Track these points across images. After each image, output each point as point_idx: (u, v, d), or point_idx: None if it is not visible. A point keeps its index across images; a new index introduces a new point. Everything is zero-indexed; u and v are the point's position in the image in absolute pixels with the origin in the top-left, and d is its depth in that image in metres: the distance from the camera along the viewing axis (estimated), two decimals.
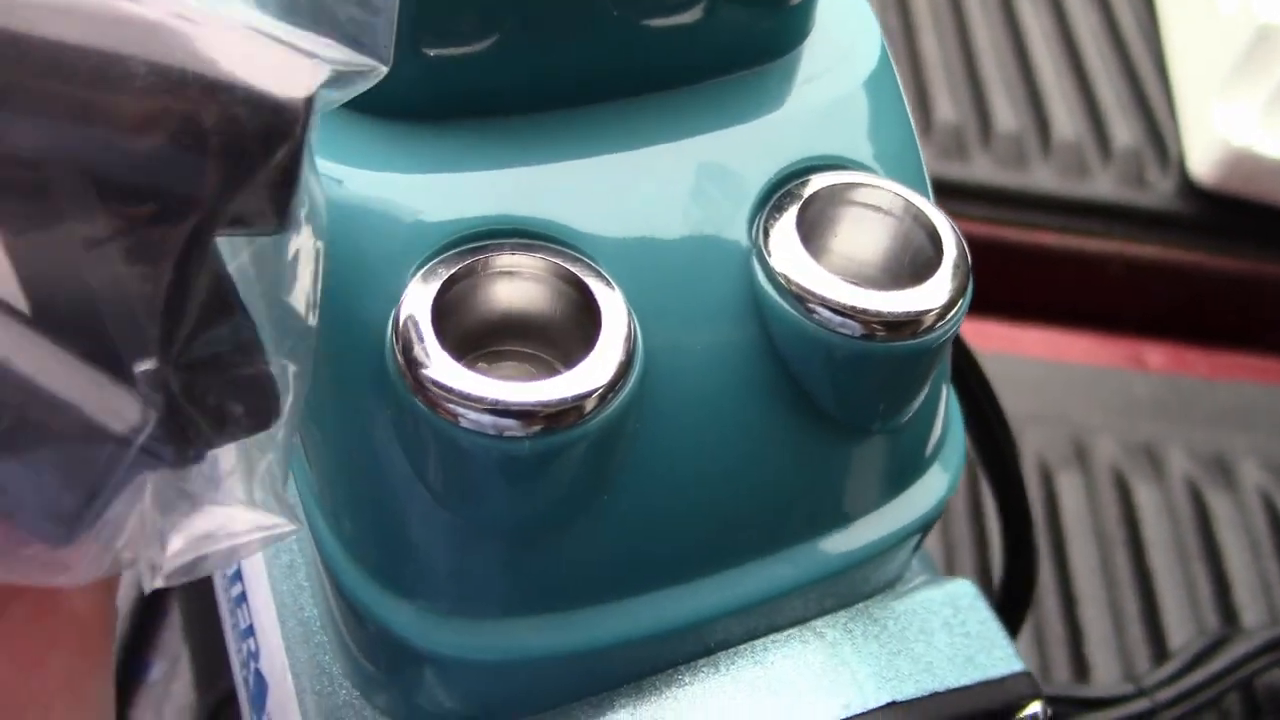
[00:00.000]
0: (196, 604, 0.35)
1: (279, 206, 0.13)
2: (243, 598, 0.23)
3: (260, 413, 0.14)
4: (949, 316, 0.18)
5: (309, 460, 0.19)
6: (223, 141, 0.13)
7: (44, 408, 0.13)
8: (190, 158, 0.13)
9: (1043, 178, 0.62)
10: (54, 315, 0.13)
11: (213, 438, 0.14)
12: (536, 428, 0.16)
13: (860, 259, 0.19)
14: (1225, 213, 0.61)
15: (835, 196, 0.19)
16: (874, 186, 0.19)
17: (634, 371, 0.17)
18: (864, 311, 0.17)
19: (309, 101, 0.13)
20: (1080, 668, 0.47)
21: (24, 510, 0.13)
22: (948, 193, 0.61)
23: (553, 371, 0.17)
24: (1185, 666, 0.44)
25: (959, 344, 0.26)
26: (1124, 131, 0.64)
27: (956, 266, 0.18)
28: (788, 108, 0.20)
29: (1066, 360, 0.59)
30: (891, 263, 0.19)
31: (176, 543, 0.14)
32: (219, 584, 0.25)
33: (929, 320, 0.18)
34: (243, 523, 0.14)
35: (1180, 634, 0.48)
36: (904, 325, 0.18)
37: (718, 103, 0.19)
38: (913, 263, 0.19)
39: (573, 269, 0.17)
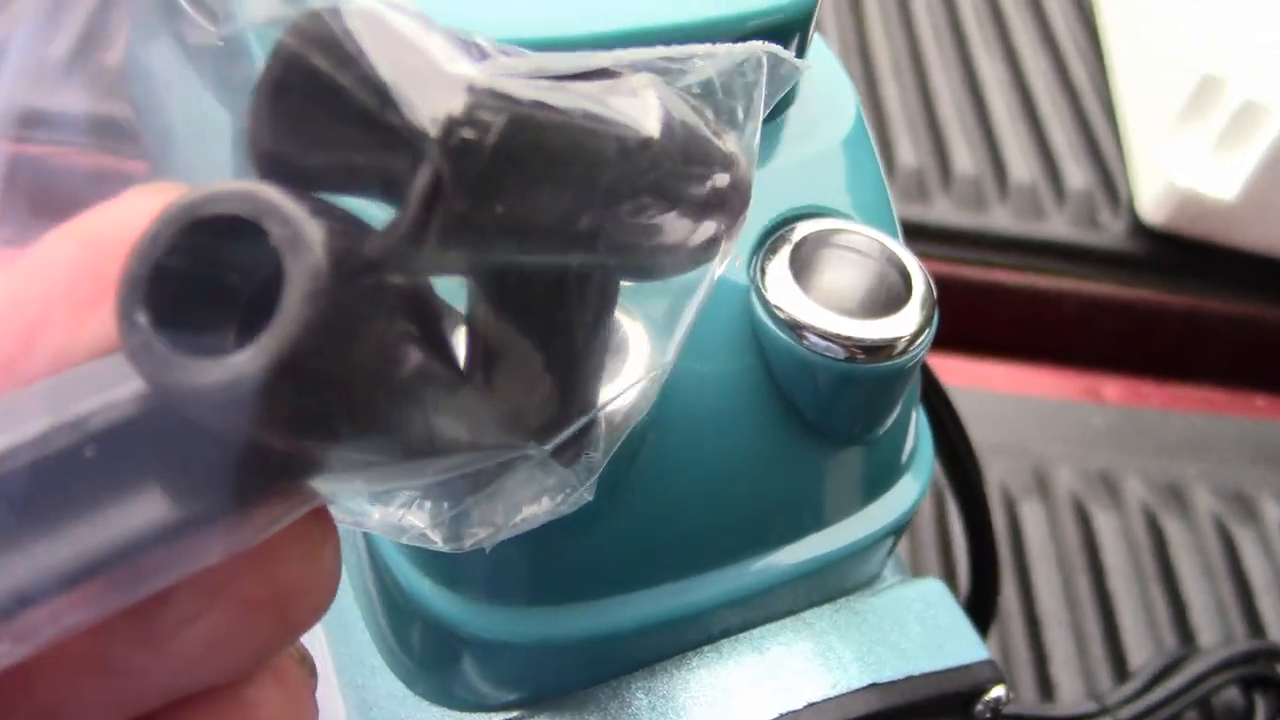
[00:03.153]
0: None
1: None
2: None
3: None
4: (918, 342, 0.21)
5: None
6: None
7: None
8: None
9: (1000, 219, 0.63)
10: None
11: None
12: None
13: (842, 294, 0.22)
14: (1174, 251, 0.63)
15: (821, 240, 0.22)
16: (854, 232, 0.22)
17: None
18: (847, 338, 0.20)
19: None
20: (1045, 687, 0.48)
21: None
22: (910, 233, 0.61)
23: None
24: (1146, 685, 0.46)
25: (930, 377, 0.28)
26: (1076, 175, 0.66)
27: (924, 300, 0.21)
28: (777, 163, 0.23)
29: (1026, 394, 0.61)
30: (868, 297, 0.22)
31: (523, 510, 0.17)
32: None
33: (901, 345, 0.20)
34: (550, 501, 0.17)
35: (1140, 654, 0.49)
36: (880, 349, 0.20)
37: None
38: (886, 297, 0.21)
39: None
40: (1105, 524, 0.54)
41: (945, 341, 0.63)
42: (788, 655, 0.23)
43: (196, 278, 0.12)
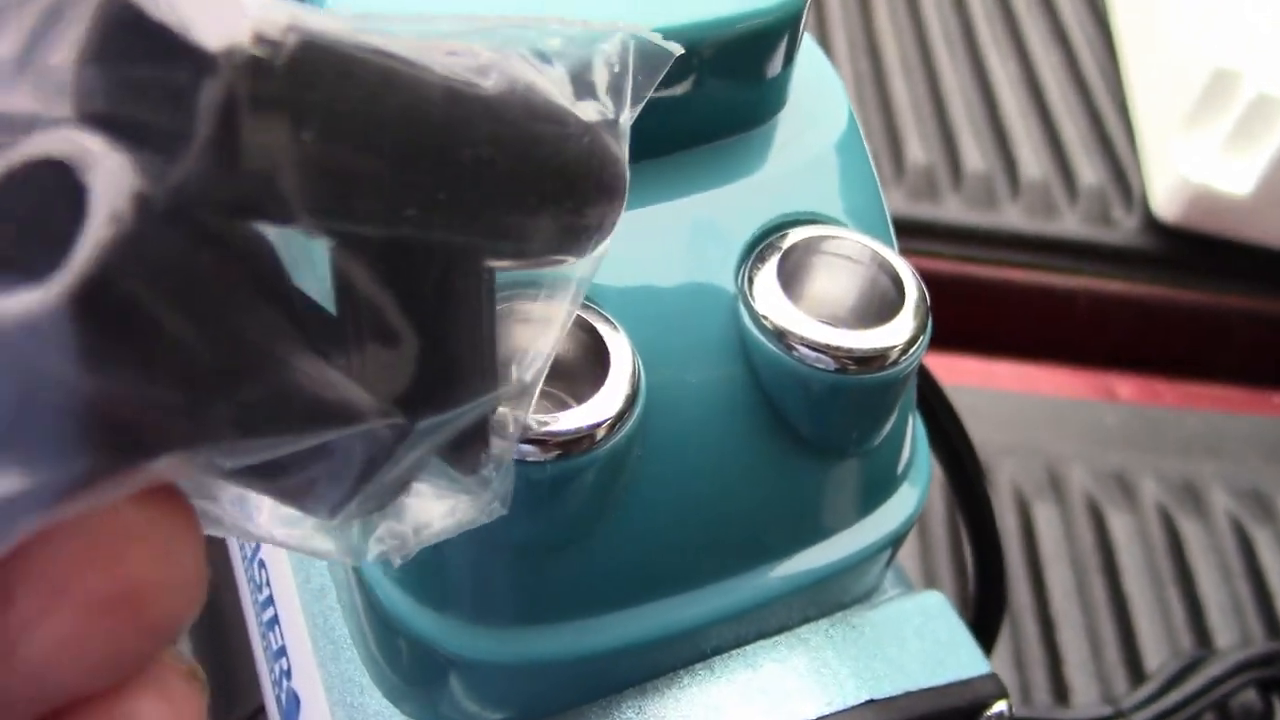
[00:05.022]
0: (207, 632, 0.36)
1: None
2: (275, 621, 0.25)
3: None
4: (911, 351, 0.20)
5: None
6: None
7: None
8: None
9: (1011, 217, 0.63)
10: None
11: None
12: (554, 453, 0.18)
13: (833, 302, 0.21)
14: (1188, 247, 0.62)
15: (811, 247, 0.21)
16: (844, 238, 0.21)
17: (638, 405, 0.19)
18: (837, 348, 0.20)
19: None
20: (1060, 690, 0.48)
21: (309, 492, 0.15)
22: (920, 233, 0.62)
23: (566, 405, 0.19)
24: (1162, 688, 0.45)
25: (932, 385, 0.28)
26: (1089, 171, 0.65)
27: (917, 307, 0.21)
28: (768, 169, 0.22)
29: (1038, 393, 0.60)
30: (860, 305, 0.21)
31: (434, 525, 0.16)
32: (250, 610, 0.27)
33: (894, 355, 0.20)
34: (458, 513, 0.17)
35: (1156, 656, 0.49)
36: (872, 360, 0.20)
37: (709, 166, 0.22)
38: (879, 304, 0.21)
39: (584, 316, 0.19)
40: (1120, 525, 0.54)
41: (955, 341, 0.63)
42: (782, 672, 0.22)
43: (20, 228, 0.12)
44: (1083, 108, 0.69)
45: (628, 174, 0.16)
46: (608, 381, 0.18)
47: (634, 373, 0.19)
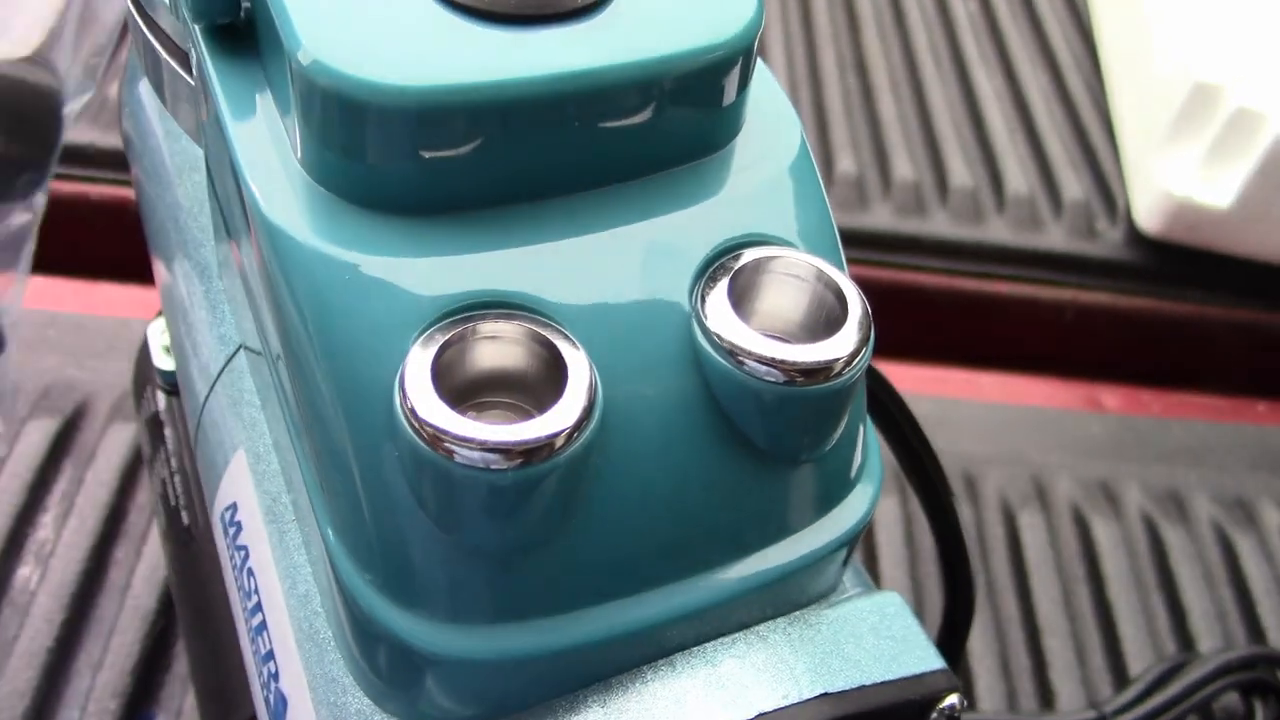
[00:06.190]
0: (201, 645, 0.37)
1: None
2: (263, 626, 0.26)
3: None
4: (855, 363, 0.21)
5: (328, 495, 0.22)
6: None
7: None
8: None
9: (997, 230, 0.64)
10: None
11: None
12: (516, 461, 0.19)
13: (782, 318, 0.23)
14: (1171, 260, 0.64)
15: (760, 267, 0.22)
16: (791, 258, 0.23)
17: (595, 415, 0.20)
18: (785, 362, 0.21)
19: None
20: (1045, 696, 0.49)
21: None
22: (907, 247, 0.63)
23: (529, 417, 0.20)
24: (1144, 692, 0.46)
25: (887, 389, 0.29)
26: (1073, 185, 0.66)
27: (860, 322, 0.22)
28: (723, 194, 0.23)
29: (1025, 404, 0.61)
30: (807, 320, 0.23)
31: None
32: (240, 617, 0.28)
33: (839, 366, 0.21)
34: None
35: (1140, 662, 0.50)
36: (818, 371, 0.21)
37: (666, 191, 0.23)
38: (825, 320, 0.22)
39: (544, 333, 0.21)
40: (1105, 533, 0.55)
41: (942, 353, 0.64)
42: (740, 668, 0.24)
43: None
44: (1067, 123, 0.70)
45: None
46: (565, 394, 0.20)
47: (591, 386, 0.20)
